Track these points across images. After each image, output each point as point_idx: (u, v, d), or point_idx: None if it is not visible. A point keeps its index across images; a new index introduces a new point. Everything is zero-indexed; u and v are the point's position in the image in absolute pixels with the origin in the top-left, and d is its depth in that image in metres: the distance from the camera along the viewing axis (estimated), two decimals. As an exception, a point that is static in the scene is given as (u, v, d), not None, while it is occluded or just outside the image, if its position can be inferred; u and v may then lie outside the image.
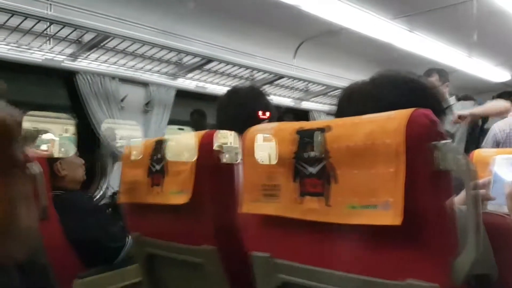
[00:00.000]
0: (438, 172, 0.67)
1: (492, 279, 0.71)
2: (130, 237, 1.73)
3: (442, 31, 3.76)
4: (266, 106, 1.65)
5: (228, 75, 3.42)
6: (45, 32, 2.44)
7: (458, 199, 0.69)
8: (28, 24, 2.30)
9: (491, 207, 0.95)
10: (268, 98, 1.69)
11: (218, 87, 3.35)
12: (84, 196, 2.15)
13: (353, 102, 0.94)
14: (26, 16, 2.20)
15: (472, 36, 3.35)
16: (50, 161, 1.77)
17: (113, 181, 2.78)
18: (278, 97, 3.84)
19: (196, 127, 3.34)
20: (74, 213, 1.76)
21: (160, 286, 1.32)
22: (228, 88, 1.81)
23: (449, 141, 0.69)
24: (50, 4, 2.51)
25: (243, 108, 1.60)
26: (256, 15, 3.37)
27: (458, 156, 0.66)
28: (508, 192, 0.90)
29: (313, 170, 0.80)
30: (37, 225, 0.73)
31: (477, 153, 1.50)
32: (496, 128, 3.27)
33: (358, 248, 0.75)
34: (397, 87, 0.90)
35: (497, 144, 3.20)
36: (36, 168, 1.58)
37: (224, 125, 1.51)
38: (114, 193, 2.66)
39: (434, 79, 2.88)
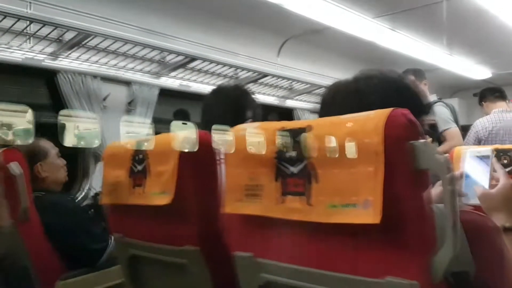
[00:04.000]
0: (417, 171, 0.68)
1: (470, 276, 0.72)
2: (112, 238, 1.71)
3: (423, 30, 3.81)
4: (251, 105, 1.65)
5: (212, 73, 3.41)
6: (25, 31, 2.40)
7: (432, 196, 0.70)
8: (7, 22, 2.25)
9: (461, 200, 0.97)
10: (253, 96, 1.69)
11: (202, 86, 3.33)
12: (66, 197, 2.13)
13: (336, 101, 0.94)
14: (5, 15, 2.16)
15: (453, 34, 3.39)
16: (30, 162, 1.74)
17: (95, 182, 2.75)
18: (263, 96, 3.85)
19: (180, 127, 3.34)
20: (55, 215, 1.74)
21: (143, 287, 1.31)
22: (212, 87, 1.81)
23: (427, 140, 0.70)
24: (30, 3, 2.47)
25: (229, 107, 1.60)
26: (240, 13, 3.37)
27: (436, 155, 0.67)
28: (478, 195, 0.92)
29: (294, 169, 0.80)
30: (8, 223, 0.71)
31: (457, 150, 1.52)
32: (479, 125, 3.28)
33: (339, 247, 0.75)
34: (381, 86, 0.91)
35: (479, 141, 3.23)
36: (16, 169, 1.56)
37: (209, 124, 1.51)
38: (96, 194, 2.63)
39: (411, 80, 2.92)
